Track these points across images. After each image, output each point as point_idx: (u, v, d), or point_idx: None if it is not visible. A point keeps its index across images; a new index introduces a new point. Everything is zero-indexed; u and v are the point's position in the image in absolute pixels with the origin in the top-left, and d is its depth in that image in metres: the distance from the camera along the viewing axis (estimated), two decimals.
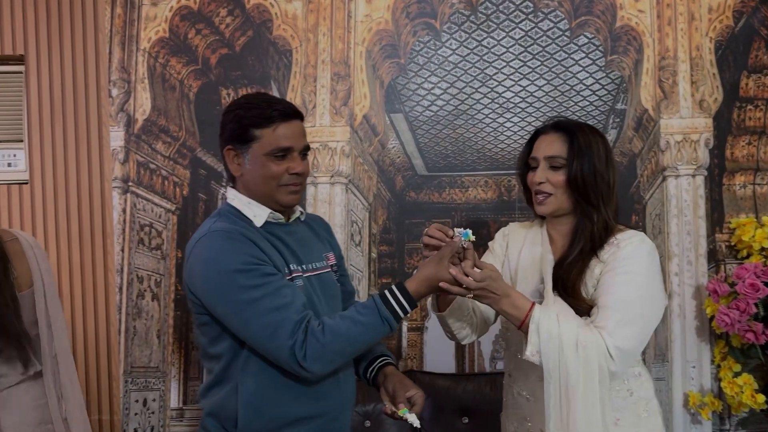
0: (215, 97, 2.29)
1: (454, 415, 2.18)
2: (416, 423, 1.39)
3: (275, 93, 2.30)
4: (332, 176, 2.31)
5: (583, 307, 1.45)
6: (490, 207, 2.35)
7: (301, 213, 1.51)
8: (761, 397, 2.12)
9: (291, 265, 1.41)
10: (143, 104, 2.29)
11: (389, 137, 2.34)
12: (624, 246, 1.46)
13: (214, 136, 2.24)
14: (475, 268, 1.38)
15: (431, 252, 1.42)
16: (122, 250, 2.30)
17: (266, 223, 1.42)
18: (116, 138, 2.30)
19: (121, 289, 2.30)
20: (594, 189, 1.47)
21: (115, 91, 2.30)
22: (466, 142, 2.34)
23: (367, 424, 2.18)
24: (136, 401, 2.32)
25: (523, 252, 1.59)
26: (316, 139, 2.30)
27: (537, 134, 1.55)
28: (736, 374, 2.18)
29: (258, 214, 1.41)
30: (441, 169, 2.36)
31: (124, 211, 2.30)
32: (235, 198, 1.44)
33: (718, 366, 2.25)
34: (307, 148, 1.44)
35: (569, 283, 1.46)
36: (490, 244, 1.70)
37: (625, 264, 1.44)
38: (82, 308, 2.41)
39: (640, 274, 1.44)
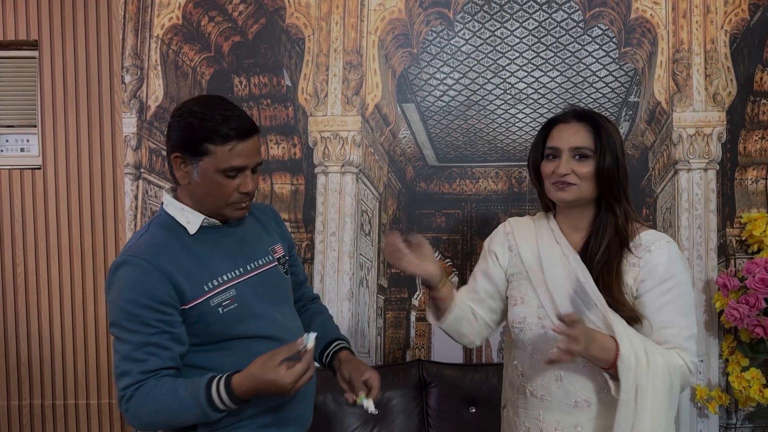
0: (227, 84, 2.29)
1: (461, 404, 2.19)
2: (372, 409, 1.39)
3: (287, 81, 2.30)
4: (343, 165, 2.32)
5: (626, 315, 1.42)
6: (501, 199, 2.35)
7: None
8: None
9: (221, 277, 1.38)
10: (156, 91, 2.30)
11: (400, 127, 2.34)
12: (655, 251, 1.43)
13: None
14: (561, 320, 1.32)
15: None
16: None
17: (201, 227, 1.40)
18: (129, 124, 2.30)
19: None
20: (617, 181, 1.44)
21: (128, 78, 2.30)
22: (477, 133, 2.34)
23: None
24: None
25: (542, 250, 1.51)
26: (327, 129, 2.30)
27: (553, 123, 1.49)
28: (744, 369, 2.18)
29: (191, 220, 1.39)
30: (452, 160, 2.36)
31: (135, 197, 2.31)
32: (169, 204, 1.41)
33: (726, 360, 2.25)
34: (260, 163, 1.41)
35: (610, 289, 1.43)
36: (486, 246, 1.61)
37: (668, 273, 1.42)
38: (93, 294, 2.43)
39: (684, 282, 1.44)
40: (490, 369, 2.24)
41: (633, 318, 1.42)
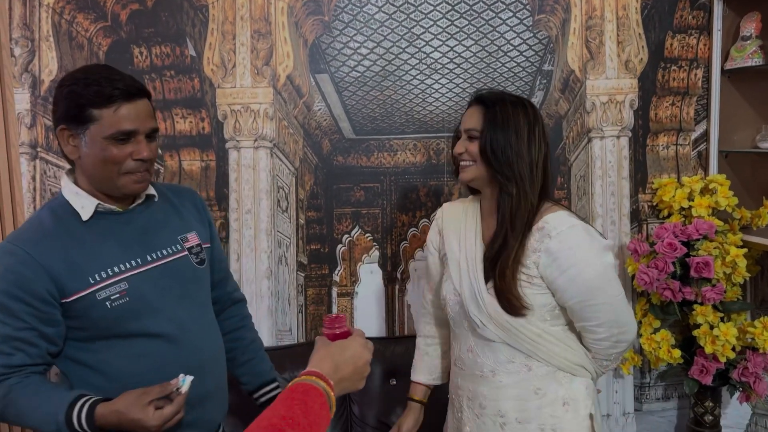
0: (127, 55, 2.16)
1: (382, 376, 2.19)
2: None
3: (191, 51, 2.18)
4: (256, 140, 2.23)
5: (515, 306, 1.42)
6: (419, 171, 2.32)
7: (151, 196, 1.41)
8: (677, 352, 2.20)
9: (111, 268, 1.30)
10: (49, 64, 2.14)
11: (315, 99, 2.26)
12: (555, 236, 1.39)
13: None
14: None
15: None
16: None
17: (98, 213, 1.32)
18: (21, 101, 2.14)
19: None
20: (508, 164, 1.42)
21: (17, 51, 2.14)
22: (393, 104, 2.29)
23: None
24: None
25: (462, 234, 1.56)
26: (237, 101, 2.21)
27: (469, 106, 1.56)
28: (656, 330, 2.25)
29: (85, 205, 1.31)
30: (369, 133, 2.30)
31: (33, 178, 2.16)
32: (65, 187, 1.34)
33: (639, 323, 2.31)
34: (156, 130, 1.33)
35: (503, 272, 1.43)
36: (429, 240, 1.67)
37: (571, 264, 1.38)
38: None
39: (592, 264, 1.39)
40: (411, 341, 2.22)
41: (517, 306, 1.42)
